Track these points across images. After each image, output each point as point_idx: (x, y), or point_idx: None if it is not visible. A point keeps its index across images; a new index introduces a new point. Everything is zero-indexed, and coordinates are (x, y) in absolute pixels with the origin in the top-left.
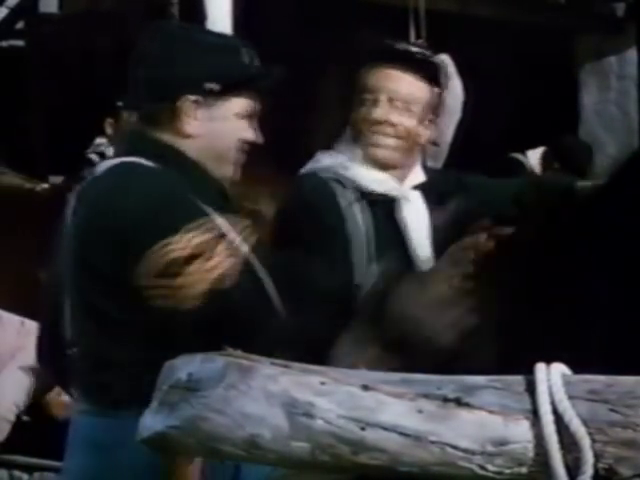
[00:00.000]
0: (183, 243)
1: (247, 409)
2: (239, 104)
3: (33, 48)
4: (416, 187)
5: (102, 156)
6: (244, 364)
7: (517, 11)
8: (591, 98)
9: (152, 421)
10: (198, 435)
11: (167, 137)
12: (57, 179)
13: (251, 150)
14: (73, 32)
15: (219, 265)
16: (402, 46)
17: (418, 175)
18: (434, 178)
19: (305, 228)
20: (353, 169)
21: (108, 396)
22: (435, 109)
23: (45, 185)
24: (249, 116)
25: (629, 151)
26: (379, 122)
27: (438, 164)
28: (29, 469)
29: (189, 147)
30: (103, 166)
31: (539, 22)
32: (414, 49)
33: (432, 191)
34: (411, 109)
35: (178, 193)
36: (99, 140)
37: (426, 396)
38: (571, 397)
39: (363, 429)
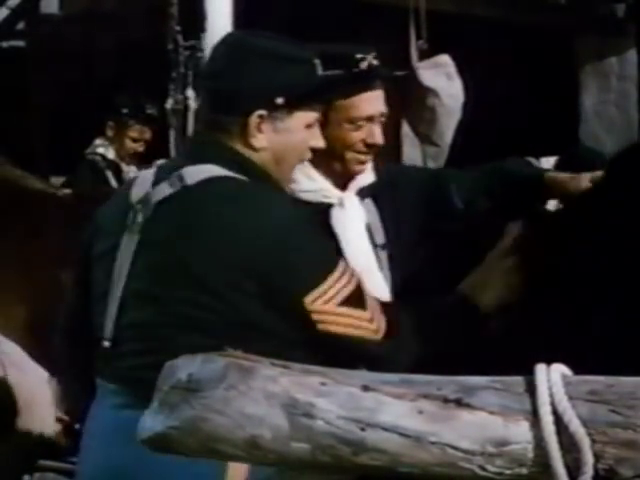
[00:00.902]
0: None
1: (247, 410)
2: (309, 115)
3: (34, 48)
4: (364, 188)
5: (102, 157)
6: (244, 365)
7: (517, 12)
8: (591, 99)
9: (152, 421)
10: (198, 435)
11: (239, 148)
12: (57, 180)
13: None
14: (74, 33)
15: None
16: (367, 64)
17: (367, 176)
18: (389, 176)
19: None
20: (293, 182)
21: None
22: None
23: (67, 191)
24: (315, 124)
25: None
26: (372, 144)
27: (438, 164)
28: (29, 469)
29: (255, 159)
30: (191, 175)
31: (539, 23)
32: (375, 62)
33: (388, 189)
34: (382, 119)
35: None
36: (98, 141)
37: (426, 397)
38: (571, 398)
39: (363, 430)
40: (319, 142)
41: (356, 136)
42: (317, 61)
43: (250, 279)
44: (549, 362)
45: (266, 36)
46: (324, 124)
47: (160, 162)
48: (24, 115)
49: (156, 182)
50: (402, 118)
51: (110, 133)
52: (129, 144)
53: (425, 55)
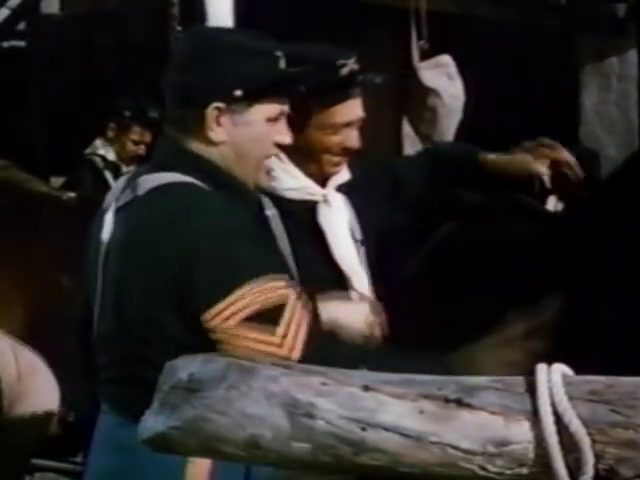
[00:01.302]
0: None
1: (248, 410)
2: (270, 108)
3: (34, 49)
4: (339, 187)
5: (103, 159)
6: (245, 365)
7: (518, 12)
8: (592, 99)
9: (153, 422)
10: (199, 436)
11: (197, 146)
12: (57, 180)
13: None
14: (74, 33)
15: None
16: (348, 70)
17: (343, 174)
18: (361, 173)
19: None
20: (275, 181)
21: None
22: None
23: (71, 194)
24: (281, 119)
25: (629, 152)
26: (350, 148)
27: None
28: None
29: (216, 155)
30: (144, 184)
31: (540, 23)
32: (356, 68)
33: (360, 186)
34: (359, 123)
35: (251, 225)
36: (98, 142)
37: (427, 397)
38: (572, 398)
39: (364, 430)
40: (284, 137)
41: (334, 140)
42: (280, 54)
43: (170, 292)
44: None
45: (230, 30)
46: (302, 126)
47: (136, 168)
48: (24, 115)
49: (124, 189)
50: (403, 118)
51: (111, 135)
52: (130, 146)
53: (426, 55)
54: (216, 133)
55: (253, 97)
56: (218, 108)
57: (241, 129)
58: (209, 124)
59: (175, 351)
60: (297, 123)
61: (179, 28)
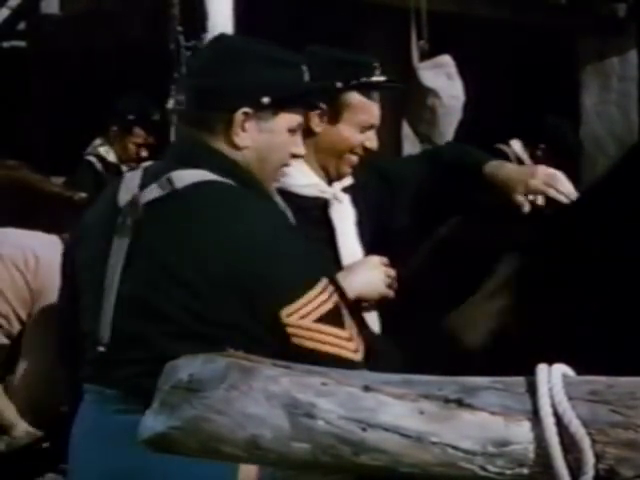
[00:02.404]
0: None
1: (248, 410)
2: (292, 119)
3: (34, 49)
4: (344, 189)
5: (102, 159)
6: (245, 365)
7: (518, 12)
8: (592, 99)
9: (153, 422)
10: (199, 436)
11: (222, 146)
12: (57, 180)
13: None
14: (74, 33)
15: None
16: (379, 77)
17: (347, 178)
18: (360, 178)
19: None
20: (287, 178)
21: None
22: None
23: (82, 194)
24: (298, 130)
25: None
26: (370, 149)
27: None
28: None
29: (240, 158)
30: (180, 179)
31: (540, 23)
32: (384, 78)
33: (359, 191)
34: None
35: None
36: (98, 141)
37: (427, 397)
38: (572, 398)
39: (364, 430)
40: (299, 149)
41: (358, 139)
42: (305, 67)
43: (233, 286)
44: (550, 362)
45: (257, 41)
46: (334, 122)
47: (146, 164)
48: (24, 115)
49: (143, 185)
50: (402, 118)
51: (113, 137)
52: (132, 149)
53: (426, 55)
54: (241, 138)
55: (279, 106)
56: (246, 113)
57: (264, 136)
58: (235, 128)
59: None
60: (328, 117)
61: (179, 28)
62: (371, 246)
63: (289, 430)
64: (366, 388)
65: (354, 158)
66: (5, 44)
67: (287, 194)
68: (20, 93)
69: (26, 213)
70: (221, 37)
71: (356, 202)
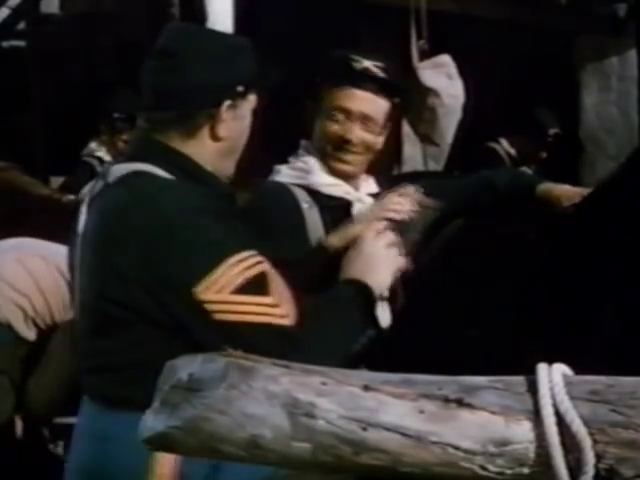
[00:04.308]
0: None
1: (248, 409)
2: (254, 99)
3: (34, 49)
4: (369, 195)
5: (100, 160)
6: (245, 364)
7: (518, 12)
8: (592, 99)
9: (153, 421)
10: (199, 435)
11: (180, 144)
12: (57, 180)
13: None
14: (74, 33)
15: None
16: (362, 66)
17: (371, 185)
18: (385, 188)
19: (266, 228)
20: (313, 176)
21: (113, 394)
22: (392, 118)
23: (71, 197)
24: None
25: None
26: (345, 140)
27: (439, 164)
28: None
29: (210, 151)
30: (114, 173)
31: (540, 23)
32: (374, 70)
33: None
34: (371, 125)
35: (217, 208)
36: (93, 144)
37: (427, 396)
38: (572, 398)
39: (364, 429)
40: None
41: (333, 129)
42: (250, 46)
43: (145, 271)
44: (547, 362)
45: (201, 27)
46: (315, 118)
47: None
48: (24, 115)
49: (95, 183)
50: (403, 118)
51: (104, 137)
52: (122, 147)
53: (426, 55)
54: (222, 129)
55: (249, 91)
56: (231, 105)
57: (239, 122)
58: (218, 122)
59: (151, 334)
60: (314, 112)
61: None
62: None
63: (289, 430)
64: (366, 388)
65: (337, 153)
66: (5, 44)
67: (314, 193)
68: (20, 93)
69: (13, 215)
70: (177, 30)
71: None
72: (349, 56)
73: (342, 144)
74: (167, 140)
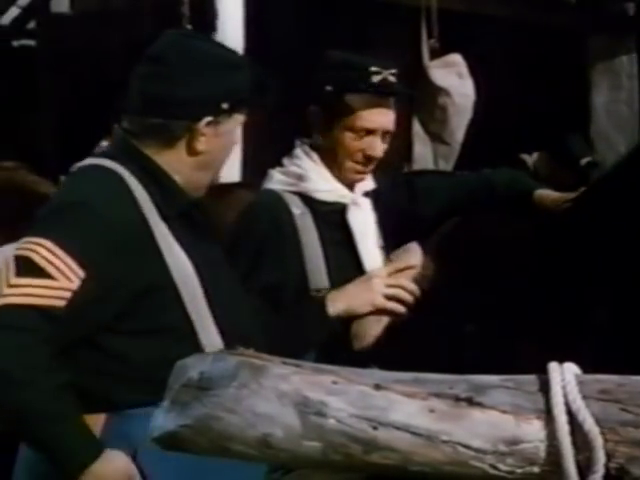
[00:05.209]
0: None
1: (259, 408)
2: (241, 118)
3: (44, 48)
4: (366, 194)
5: None
6: (256, 363)
7: (529, 11)
8: (602, 97)
9: (164, 420)
10: (210, 434)
11: (154, 151)
12: None
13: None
14: (84, 32)
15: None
16: (381, 78)
17: (368, 183)
18: (383, 184)
19: (260, 238)
20: (307, 182)
21: None
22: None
23: None
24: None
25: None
26: (369, 156)
27: (449, 163)
28: None
29: (185, 163)
30: (80, 164)
31: (551, 22)
32: (391, 79)
33: (381, 197)
34: (388, 137)
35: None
36: (105, 143)
37: (438, 395)
38: (583, 397)
39: (375, 428)
40: (238, 139)
41: (356, 146)
42: (249, 64)
43: None
44: (543, 363)
45: (201, 37)
46: (331, 125)
47: None
48: (34, 114)
49: None
50: (413, 117)
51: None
52: None
53: (436, 54)
54: (200, 143)
55: (235, 109)
56: (208, 122)
57: (221, 138)
58: (197, 136)
59: None
60: (326, 122)
61: (189, 27)
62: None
63: (300, 429)
64: (377, 387)
65: (357, 166)
66: (15, 43)
67: (307, 199)
68: (29, 92)
69: (22, 215)
70: (172, 39)
71: (377, 207)
72: (367, 66)
73: (365, 159)
74: (143, 146)
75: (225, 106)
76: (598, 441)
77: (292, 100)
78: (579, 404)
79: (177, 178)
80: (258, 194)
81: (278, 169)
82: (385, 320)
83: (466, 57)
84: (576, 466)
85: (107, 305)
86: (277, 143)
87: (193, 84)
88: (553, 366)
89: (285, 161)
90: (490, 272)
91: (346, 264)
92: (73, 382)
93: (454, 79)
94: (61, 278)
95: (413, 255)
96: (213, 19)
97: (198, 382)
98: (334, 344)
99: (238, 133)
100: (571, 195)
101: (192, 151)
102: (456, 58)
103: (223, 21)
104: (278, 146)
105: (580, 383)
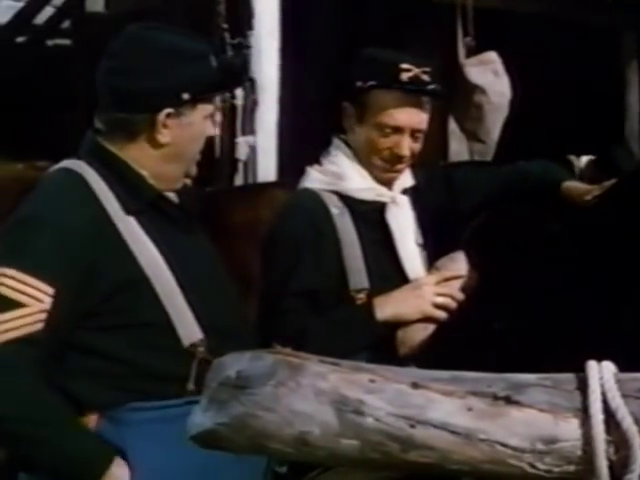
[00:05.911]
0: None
1: (296, 406)
2: (208, 107)
3: (79, 47)
4: (405, 191)
5: None
6: (293, 362)
7: (564, 8)
8: (637, 96)
9: (201, 418)
10: (247, 432)
11: (120, 147)
12: None
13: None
14: (119, 31)
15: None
16: (412, 75)
17: (406, 179)
18: (421, 180)
19: (299, 239)
20: (344, 180)
21: None
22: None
23: None
24: (214, 114)
25: None
26: (397, 155)
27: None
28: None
29: (150, 156)
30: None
31: (586, 19)
32: (423, 77)
33: (420, 193)
34: (419, 135)
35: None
36: None
37: (476, 394)
38: (622, 395)
39: (413, 427)
40: (211, 131)
41: (382, 143)
42: (211, 52)
43: None
44: (577, 361)
45: (164, 29)
46: (359, 123)
47: None
48: (68, 114)
49: None
50: (449, 115)
51: None
52: None
53: (472, 52)
54: (163, 135)
55: (197, 99)
56: (168, 113)
57: (185, 130)
58: (158, 128)
59: None
60: (357, 119)
61: (225, 26)
62: (435, 247)
63: (337, 427)
64: (415, 385)
65: (384, 165)
66: (50, 42)
67: (345, 198)
68: (64, 92)
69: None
70: (131, 32)
71: (416, 204)
72: (397, 63)
73: (392, 158)
74: (110, 142)
75: (186, 96)
76: (636, 440)
77: (328, 97)
78: (618, 402)
79: (144, 172)
80: (296, 193)
81: (316, 167)
82: (431, 328)
83: (502, 55)
84: (611, 465)
85: (83, 308)
86: (314, 140)
87: (151, 76)
88: (591, 364)
89: (322, 158)
90: (520, 269)
91: (385, 264)
92: (60, 387)
93: (490, 77)
94: (33, 303)
95: (460, 264)
96: (249, 18)
97: (235, 380)
98: (382, 348)
99: (209, 124)
100: (598, 189)
101: (156, 144)
102: (492, 56)
103: (259, 19)
104: (315, 143)
105: (618, 381)
